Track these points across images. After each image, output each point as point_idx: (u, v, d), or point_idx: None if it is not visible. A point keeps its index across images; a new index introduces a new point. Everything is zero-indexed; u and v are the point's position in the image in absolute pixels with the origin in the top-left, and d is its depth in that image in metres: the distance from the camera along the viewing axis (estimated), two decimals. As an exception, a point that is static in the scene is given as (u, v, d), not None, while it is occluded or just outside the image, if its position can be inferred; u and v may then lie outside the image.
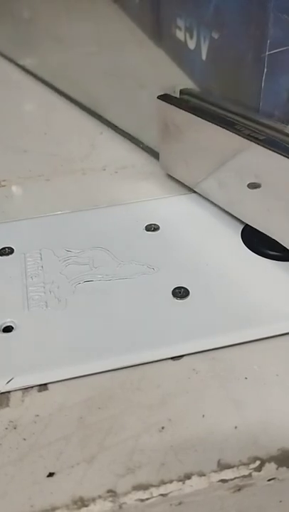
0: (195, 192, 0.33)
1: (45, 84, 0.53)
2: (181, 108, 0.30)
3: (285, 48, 0.29)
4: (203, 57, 0.38)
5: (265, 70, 0.30)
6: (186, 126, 0.30)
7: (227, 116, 0.29)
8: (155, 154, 0.37)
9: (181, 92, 0.32)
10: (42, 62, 0.56)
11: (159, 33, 0.49)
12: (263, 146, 0.25)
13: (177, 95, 0.33)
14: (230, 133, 0.27)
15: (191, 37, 0.39)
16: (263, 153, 0.25)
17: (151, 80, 0.40)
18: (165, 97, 0.32)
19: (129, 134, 0.41)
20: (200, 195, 0.32)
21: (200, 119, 0.29)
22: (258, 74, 0.30)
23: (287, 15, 0.28)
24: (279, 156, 0.24)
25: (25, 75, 0.56)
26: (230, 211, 0.30)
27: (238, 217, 0.29)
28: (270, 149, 0.25)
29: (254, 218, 0.28)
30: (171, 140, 0.32)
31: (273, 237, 0.26)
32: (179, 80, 0.34)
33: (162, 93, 0.33)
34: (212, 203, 0.31)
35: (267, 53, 0.29)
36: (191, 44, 0.40)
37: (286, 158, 0.24)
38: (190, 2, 0.38)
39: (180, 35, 0.42)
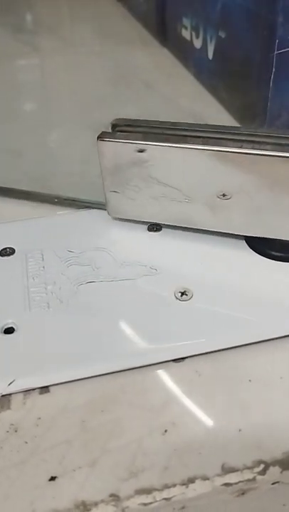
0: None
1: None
2: (137, 140, 0.26)
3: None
4: (210, 56, 0.38)
5: (274, 69, 0.30)
6: (151, 158, 0.26)
7: (197, 136, 0.26)
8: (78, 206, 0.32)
9: (114, 125, 0.28)
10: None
11: (164, 32, 0.49)
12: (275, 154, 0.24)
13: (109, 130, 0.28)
14: (226, 153, 0.24)
15: (198, 36, 0.39)
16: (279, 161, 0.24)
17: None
18: (107, 135, 0.27)
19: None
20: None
21: (172, 145, 0.25)
22: (266, 73, 0.30)
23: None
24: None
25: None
26: (228, 231, 0.27)
27: (241, 234, 0.27)
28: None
29: (263, 229, 0.27)
30: (123, 181, 0.28)
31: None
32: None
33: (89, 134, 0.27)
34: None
35: (275, 53, 0.29)
36: (197, 43, 0.40)
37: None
38: (197, 1, 0.38)
39: (186, 34, 0.42)
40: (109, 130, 0.28)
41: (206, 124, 0.26)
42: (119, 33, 0.70)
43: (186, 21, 0.40)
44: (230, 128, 0.26)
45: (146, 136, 0.26)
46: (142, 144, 0.26)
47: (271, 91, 0.29)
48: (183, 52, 0.41)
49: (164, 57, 0.50)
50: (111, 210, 0.29)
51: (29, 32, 0.71)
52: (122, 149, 0.26)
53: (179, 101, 0.46)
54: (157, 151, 0.26)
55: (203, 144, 0.25)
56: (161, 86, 0.50)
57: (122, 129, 0.27)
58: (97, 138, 0.27)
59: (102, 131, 0.27)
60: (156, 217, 0.29)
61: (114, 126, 0.28)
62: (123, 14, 0.73)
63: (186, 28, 0.40)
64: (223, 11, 0.34)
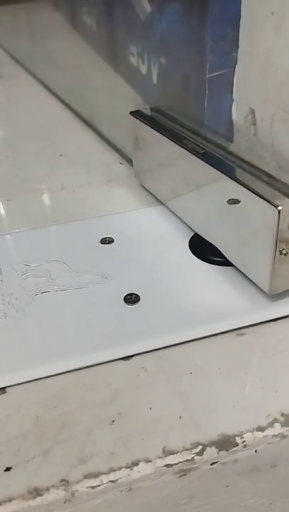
0: (149, 207, 0.35)
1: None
2: (146, 124, 0.34)
3: (223, 71, 0.32)
4: (154, 81, 0.40)
5: (207, 91, 0.32)
6: (149, 140, 0.34)
7: (181, 132, 0.32)
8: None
9: (152, 109, 0.36)
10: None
11: (115, 58, 0.52)
12: (201, 159, 0.28)
13: (148, 112, 0.36)
14: (177, 146, 0.30)
15: (143, 62, 0.42)
16: (202, 166, 0.28)
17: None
18: (136, 113, 0.36)
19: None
20: (151, 209, 0.35)
21: (157, 132, 0.33)
22: (200, 95, 0.33)
23: (223, 41, 0.31)
24: (213, 168, 0.27)
25: None
26: (182, 219, 0.33)
27: (188, 224, 0.32)
28: (206, 162, 0.27)
29: (198, 226, 0.30)
30: (140, 151, 0.36)
31: (214, 244, 0.29)
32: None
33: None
34: (162, 216, 0.34)
35: (207, 76, 0.32)
36: (143, 69, 0.43)
37: (218, 171, 0.27)
38: (139, 30, 0.41)
39: (133, 60, 0.45)
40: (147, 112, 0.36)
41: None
42: (74, 60, 0.73)
43: (132, 48, 0.43)
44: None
45: (159, 125, 0.33)
46: (152, 129, 0.33)
47: (206, 111, 0.32)
48: (132, 77, 0.44)
49: (116, 82, 0.54)
50: (135, 171, 0.38)
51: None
52: (142, 128, 0.34)
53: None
54: (158, 138, 0.32)
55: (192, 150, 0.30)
56: (111, 108, 0.54)
57: (154, 114, 0.35)
58: (129, 113, 0.36)
59: (138, 109, 0.36)
60: (158, 194, 0.36)
61: (152, 109, 0.36)
62: (78, 43, 0.76)
63: (133, 55, 0.43)
64: (161, 39, 0.37)
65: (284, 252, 0.24)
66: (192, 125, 0.33)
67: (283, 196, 0.24)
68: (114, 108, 0.46)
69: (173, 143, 0.31)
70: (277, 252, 0.24)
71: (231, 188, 0.26)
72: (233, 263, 0.28)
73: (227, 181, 0.26)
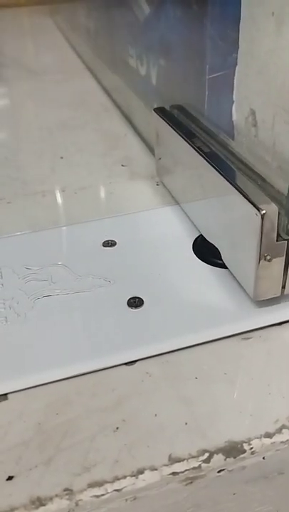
0: (152, 209, 0.35)
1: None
2: (164, 120, 0.34)
3: (223, 72, 0.31)
4: (154, 82, 0.40)
5: (207, 92, 0.32)
6: (165, 136, 0.34)
7: (193, 130, 0.31)
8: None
9: (174, 107, 0.36)
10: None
11: (114, 61, 0.52)
12: (204, 158, 0.27)
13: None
14: (186, 143, 0.30)
15: (142, 64, 0.42)
16: (204, 165, 0.27)
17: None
18: (158, 110, 0.36)
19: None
20: (154, 212, 0.34)
21: (171, 129, 0.32)
22: (200, 96, 0.32)
23: (223, 41, 0.31)
24: (212, 168, 0.26)
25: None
26: (191, 218, 0.33)
27: (195, 225, 0.32)
28: (207, 162, 0.27)
29: (202, 227, 0.30)
30: (159, 147, 0.37)
31: (216, 246, 0.28)
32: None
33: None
34: (173, 216, 0.34)
35: (207, 77, 0.32)
36: (142, 70, 0.42)
37: (216, 171, 0.26)
38: (139, 32, 0.40)
39: (132, 62, 0.45)
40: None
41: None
42: (75, 64, 0.74)
43: (131, 51, 0.42)
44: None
45: (177, 126, 0.32)
46: (168, 126, 0.33)
47: (206, 112, 0.31)
48: (130, 78, 0.44)
49: (115, 84, 0.54)
50: (157, 172, 0.38)
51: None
52: (160, 125, 0.34)
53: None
54: (172, 136, 0.32)
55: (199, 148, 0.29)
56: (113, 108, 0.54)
57: (174, 111, 0.35)
58: (153, 109, 0.35)
59: (161, 107, 0.35)
60: (173, 192, 0.36)
61: (174, 107, 0.35)
62: (79, 48, 0.77)
63: (132, 56, 0.43)
64: (161, 41, 0.36)
65: (268, 258, 0.24)
66: (207, 123, 0.32)
67: (270, 201, 0.23)
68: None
69: (183, 140, 0.30)
70: (262, 258, 0.24)
71: (226, 190, 0.25)
72: (227, 266, 0.27)
73: (223, 182, 0.26)
